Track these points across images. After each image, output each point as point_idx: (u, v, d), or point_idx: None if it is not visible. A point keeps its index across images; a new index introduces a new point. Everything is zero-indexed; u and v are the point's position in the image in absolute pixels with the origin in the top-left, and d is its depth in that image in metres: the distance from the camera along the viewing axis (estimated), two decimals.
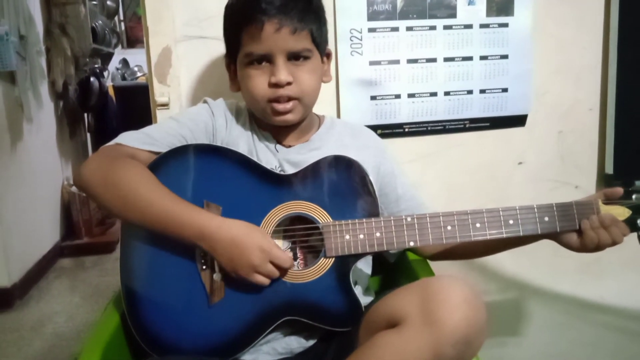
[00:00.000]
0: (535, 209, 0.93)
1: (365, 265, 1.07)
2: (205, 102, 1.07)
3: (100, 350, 0.85)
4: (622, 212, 0.94)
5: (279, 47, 0.93)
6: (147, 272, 0.92)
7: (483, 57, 1.38)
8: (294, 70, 0.95)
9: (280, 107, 0.96)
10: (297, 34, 0.93)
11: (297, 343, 0.96)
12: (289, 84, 0.95)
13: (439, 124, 1.39)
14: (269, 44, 0.93)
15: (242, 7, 0.96)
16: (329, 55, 1.05)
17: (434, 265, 1.12)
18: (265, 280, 0.86)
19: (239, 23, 0.96)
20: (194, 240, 0.86)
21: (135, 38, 5.27)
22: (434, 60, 1.36)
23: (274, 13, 0.91)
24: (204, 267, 0.90)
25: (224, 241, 0.85)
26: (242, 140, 1.02)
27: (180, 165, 0.94)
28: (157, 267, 0.92)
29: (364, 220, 0.92)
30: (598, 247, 0.94)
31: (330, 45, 1.28)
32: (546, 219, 0.93)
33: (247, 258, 0.85)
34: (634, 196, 0.94)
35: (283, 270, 0.88)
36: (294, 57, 0.95)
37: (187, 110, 1.07)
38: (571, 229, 0.94)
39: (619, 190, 0.95)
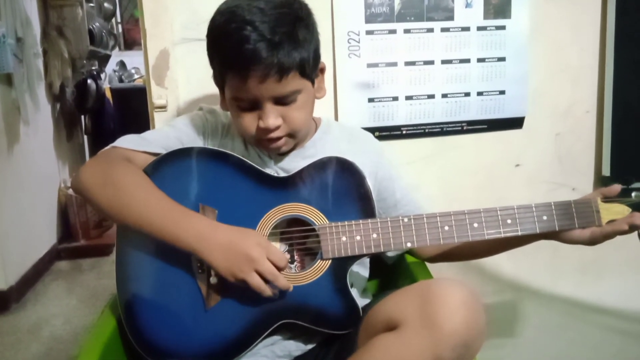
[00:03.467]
0: (534, 208, 0.93)
1: (361, 268, 1.07)
2: (200, 109, 1.08)
3: (97, 353, 0.85)
4: (621, 211, 0.93)
5: (265, 95, 0.89)
6: (142, 276, 0.92)
7: (480, 60, 1.38)
8: (284, 111, 0.91)
9: (271, 144, 0.95)
10: (283, 80, 0.87)
11: (295, 346, 0.96)
12: (278, 126, 0.92)
13: (437, 126, 1.40)
14: (254, 93, 0.88)
15: (224, 53, 0.89)
16: (322, 70, 1.00)
17: (432, 267, 1.12)
18: (261, 284, 0.84)
19: (222, 67, 0.91)
20: (190, 244, 0.85)
21: (132, 40, 5.26)
22: (431, 62, 1.36)
23: (257, 66, 0.85)
24: (200, 271, 0.90)
25: (221, 243, 0.84)
26: (236, 148, 1.02)
27: (176, 168, 0.94)
28: (153, 271, 0.92)
29: (361, 221, 0.91)
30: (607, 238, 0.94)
31: (328, 48, 1.29)
32: (545, 217, 0.93)
33: (246, 253, 0.83)
34: (633, 194, 0.94)
35: (279, 270, 0.87)
36: (283, 100, 0.91)
37: (182, 116, 1.07)
38: (570, 227, 0.94)
39: (617, 187, 0.95)
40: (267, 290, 0.85)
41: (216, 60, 0.92)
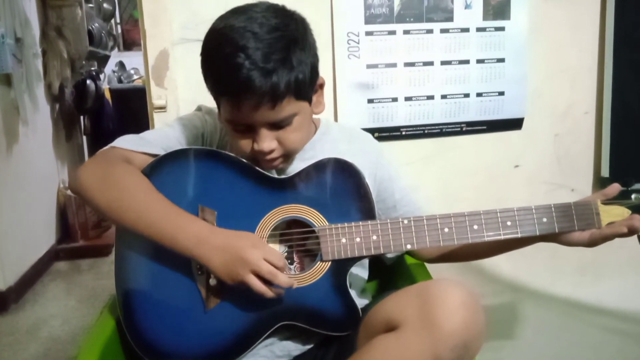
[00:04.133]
0: (534, 210, 0.93)
1: (360, 269, 1.06)
2: (199, 109, 1.07)
3: (96, 354, 0.85)
4: (621, 213, 0.93)
5: (259, 121, 0.87)
6: (142, 278, 0.92)
7: (480, 61, 1.38)
8: (278, 134, 0.90)
9: (266, 164, 0.94)
10: (277, 106, 0.85)
11: (294, 347, 0.96)
12: (273, 150, 0.90)
13: (436, 127, 1.40)
14: (247, 119, 0.87)
15: (217, 78, 0.88)
16: (321, 85, 0.97)
17: (431, 268, 1.12)
18: (260, 285, 0.84)
19: (215, 91, 0.90)
20: (188, 248, 0.85)
21: (131, 41, 5.26)
22: (430, 63, 1.36)
23: (249, 95, 0.83)
24: (200, 272, 0.90)
25: (218, 247, 0.84)
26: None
27: (175, 169, 0.94)
28: (153, 272, 0.91)
29: (360, 223, 0.91)
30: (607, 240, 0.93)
31: (328, 49, 1.29)
32: (544, 220, 0.93)
33: (241, 256, 0.83)
34: (633, 196, 0.94)
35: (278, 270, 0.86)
36: (277, 124, 0.89)
37: (181, 116, 1.06)
38: (570, 230, 0.94)
39: (616, 186, 0.95)
40: (268, 292, 0.84)
41: (209, 82, 0.91)
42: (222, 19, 0.89)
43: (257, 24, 0.84)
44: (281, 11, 0.89)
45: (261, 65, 0.82)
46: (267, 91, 0.83)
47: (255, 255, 0.83)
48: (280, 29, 0.86)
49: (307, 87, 0.90)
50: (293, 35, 0.87)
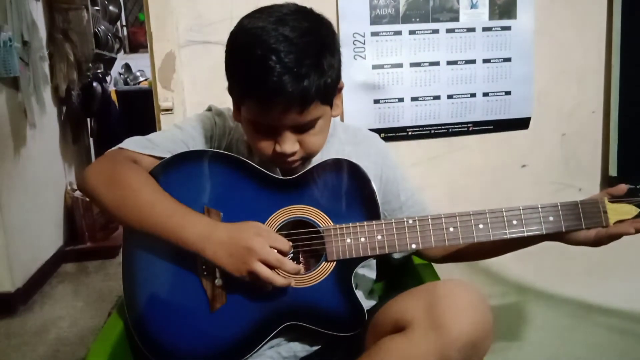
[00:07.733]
0: (540, 209, 0.93)
1: (368, 270, 1.06)
2: (209, 109, 1.07)
3: (105, 355, 0.85)
4: (629, 210, 0.93)
5: (285, 125, 0.87)
6: (149, 279, 0.92)
7: (486, 60, 1.38)
8: (301, 137, 0.89)
9: (285, 165, 0.94)
10: (305, 110, 0.85)
11: (301, 348, 0.96)
12: (294, 152, 0.90)
13: (443, 127, 1.39)
14: (273, 121, 0.86)
15: (246, 79, 0.85)
16: (340, 89, 0.95)
17: (439, 268, 1.11)
18: (269, 273, 0.83)
19: (242, 91, 0.88)
20: (194, 244, 0.85)
21: (137, 43, 5.28)
22: (437, 63, 1.36)
23: (279, 99, 0.82)
24: (205, 273, 0.90)
25: (222, 241, 0.84)
26: (240, 150, 1.02)
27: (181, 171, 0.94)
28: (159, 274, 0.92)
29: (365, 223, 0.91)
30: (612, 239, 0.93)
31: None
32: (551, 218, 0.93)
33: (247, 246, 0.83)
34: None
35: (284, 255, 0.86)
36: (302, 127, 0.88)
37: (190, 117, 1.06)
38: (577, 228, 0.93)
39: (623, 186, 0.94)
40: (277, 279, 0.84)
41: (236, 82, 0.89)
42: (249, 18, 0.87)
43: (289, 27, 0.83)
44: (311, 14, 0.88)
45: (294, 70, 0.81)
46: (297, 96, 0.82)
47: (261, 243, 0.83)
48: (312, 33, 0.85)
49: (333, 91, 0.90)
50: (324, 40, 0.86)
